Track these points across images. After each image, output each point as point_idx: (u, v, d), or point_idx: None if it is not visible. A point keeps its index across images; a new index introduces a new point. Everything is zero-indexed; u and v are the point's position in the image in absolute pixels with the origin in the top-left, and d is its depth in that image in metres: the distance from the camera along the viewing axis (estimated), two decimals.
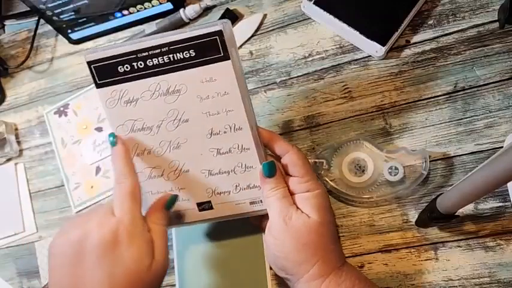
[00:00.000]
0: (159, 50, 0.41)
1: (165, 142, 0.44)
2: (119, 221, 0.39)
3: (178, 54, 0.41)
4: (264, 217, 0.46)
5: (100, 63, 0.43)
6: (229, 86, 0.42)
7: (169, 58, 0.41)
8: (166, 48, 0.41)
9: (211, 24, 0.40)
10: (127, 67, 0.42)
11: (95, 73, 0.43)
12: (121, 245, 0.38)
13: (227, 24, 0.41)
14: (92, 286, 0.38)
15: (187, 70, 0.42)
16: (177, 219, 0.47)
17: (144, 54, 0.42)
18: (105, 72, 0.43)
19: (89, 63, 0.43)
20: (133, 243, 0.39)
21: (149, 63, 0.42)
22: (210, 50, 0.41)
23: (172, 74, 0.42)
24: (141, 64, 0.42)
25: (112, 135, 0.44)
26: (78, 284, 0.38)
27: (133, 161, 0.44)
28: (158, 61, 0.42)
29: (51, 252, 0.40)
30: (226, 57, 0.41)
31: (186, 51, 0.41)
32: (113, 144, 0.43)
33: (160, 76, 0.42)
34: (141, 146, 0.45)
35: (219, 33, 0.40)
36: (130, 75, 0.43)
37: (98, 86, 0.43)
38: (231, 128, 0.43)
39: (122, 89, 0.43)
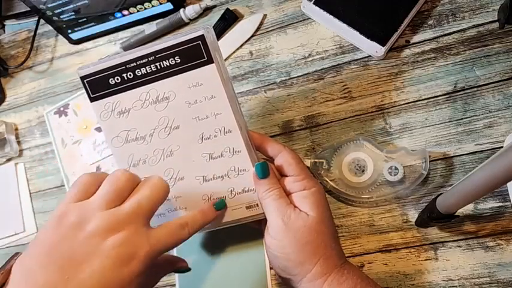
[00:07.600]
0: (146, 60, 0.42)
1: (158, 150, 0.44)
2: (148, 249, 0.35)
3: (164, 62, 0.42)
4: (263, 220, 0.46)
5: (92, 78, 0.44)
6: (216, 89, 0.43)
7: (156, 66, 0.42)
8: (153, 57, 0.42)
9: (193, 30, 0.41)
10: (117, 79, 0.43)
11: (88, 87, 0.44)
12: (131, 273, 0.34)
13: (209, 29, 0.42)
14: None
15: (174, 77, 0.43)
16: None
17: (132, 64, 0.43)
18: (98, 86, 0.44)
19: (82, 78, 0.44)
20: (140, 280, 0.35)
21: (138, 73, 0.43)
22: (194, 55, 0.42)
23: (160, 82, 0.43)
24: (130, 75, 0.43)
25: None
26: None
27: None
28: (146, 70, 0.43)
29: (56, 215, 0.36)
30: (210, 61, 0.42)
31: (172, 58, 0.42)
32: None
33: (149, 85, 0.43)
34: (136, 157, 0.45)
35: (201, 37, 0.41)
36: (121, 87, 0.43)
37: (92, 99, 0.44)
38: (220, 131, 0.44)
39: (114, 100, 0.44)
